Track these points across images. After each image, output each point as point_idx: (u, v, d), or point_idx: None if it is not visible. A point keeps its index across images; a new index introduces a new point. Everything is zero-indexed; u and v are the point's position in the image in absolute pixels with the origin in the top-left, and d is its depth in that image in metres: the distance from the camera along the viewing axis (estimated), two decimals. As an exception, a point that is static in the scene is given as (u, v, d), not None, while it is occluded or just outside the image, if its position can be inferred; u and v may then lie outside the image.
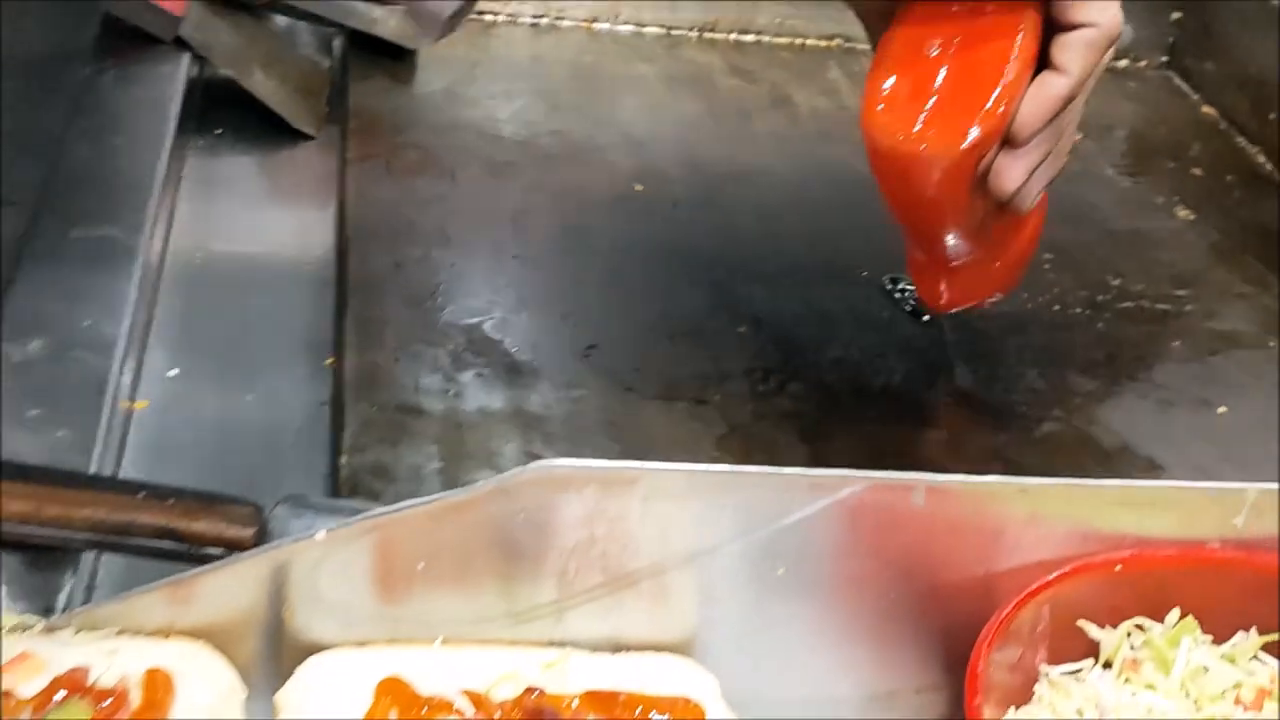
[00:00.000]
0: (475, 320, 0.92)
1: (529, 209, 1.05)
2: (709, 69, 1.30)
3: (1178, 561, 0.68)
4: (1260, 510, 0.68)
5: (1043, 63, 0.77)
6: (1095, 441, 0.89)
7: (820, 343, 0.95)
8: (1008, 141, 0.77)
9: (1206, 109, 1.35)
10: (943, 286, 0.86)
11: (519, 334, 0.92)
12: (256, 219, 1.01)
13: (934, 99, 0.77)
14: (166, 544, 0.65)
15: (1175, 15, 1.41)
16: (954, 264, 0.84)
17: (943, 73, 0.77)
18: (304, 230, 1.00)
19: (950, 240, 0.82)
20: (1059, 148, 0.80)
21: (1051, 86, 0.77)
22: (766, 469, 0.65)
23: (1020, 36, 0.76)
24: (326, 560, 0.63)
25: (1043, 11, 0.77)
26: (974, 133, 0.75)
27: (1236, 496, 0.68)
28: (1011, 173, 0.77)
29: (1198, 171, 1.23)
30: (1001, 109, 0.76)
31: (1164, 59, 1.42)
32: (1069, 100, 0.77)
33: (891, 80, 0.78)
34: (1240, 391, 0.95)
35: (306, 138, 1.11)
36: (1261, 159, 1.27)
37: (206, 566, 0.63)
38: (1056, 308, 1.02)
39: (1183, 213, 1.16)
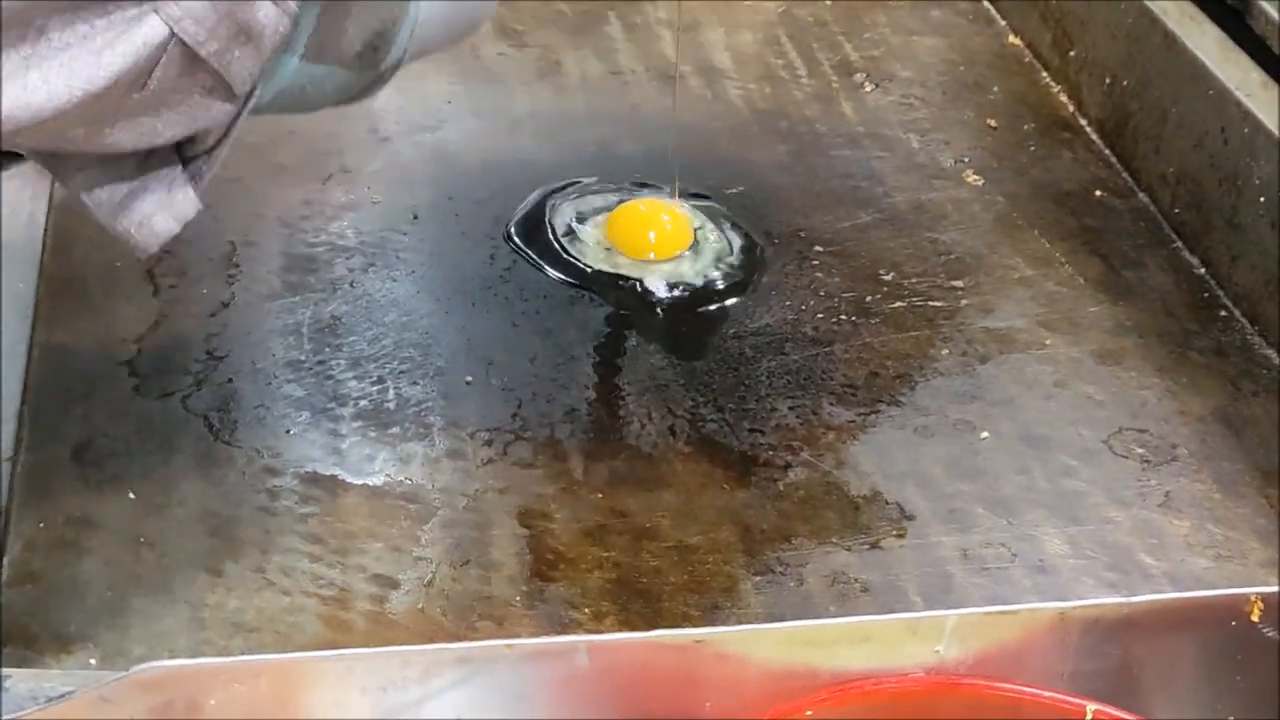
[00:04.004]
0: (173, 393, 0.85)
1: (254, 236, 0.97)
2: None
3: (876, 696, 0.63)
4: (962, 634, 0.63)
5: None
6: (842, 489, 0.83)
7: (555, 388, 0.88)
8: None
9: (1013, 40, 1.27)
10: None
11: (216, 402, 0.84)
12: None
13: None
14: None
15: (981, -68, 1.32)
16: None
17: None
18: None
19: None
20: None
21: None
22: (403, 648, 0.59)
23: None
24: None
25: None
26: None
27: (935, 624, 0.62)
28: None
29: (993, 123, 1.16)
30: None
31: (972, -20, 1.34)
32: None
33: None
34: (1006, 409, 0.89)
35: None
36: (1064, 99, 1.19)
37: None
38: (820, 316, 0.95)
39: (971, 177, 1.09)
